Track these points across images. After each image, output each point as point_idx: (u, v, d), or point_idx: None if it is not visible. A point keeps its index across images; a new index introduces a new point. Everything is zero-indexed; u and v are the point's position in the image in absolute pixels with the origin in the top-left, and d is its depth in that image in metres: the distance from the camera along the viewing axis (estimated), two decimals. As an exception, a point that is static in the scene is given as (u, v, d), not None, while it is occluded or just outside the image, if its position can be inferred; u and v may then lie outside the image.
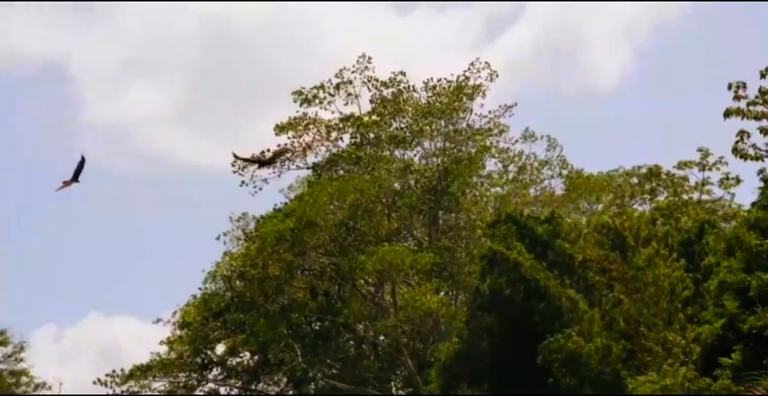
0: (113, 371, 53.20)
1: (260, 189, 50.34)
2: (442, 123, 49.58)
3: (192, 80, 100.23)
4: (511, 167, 52.09)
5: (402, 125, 50.13)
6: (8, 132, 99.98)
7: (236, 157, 24.48)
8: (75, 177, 22.79)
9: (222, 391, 55.84)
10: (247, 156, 25.99)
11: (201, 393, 55.27)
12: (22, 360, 66.56)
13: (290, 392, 55.01)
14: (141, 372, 53.54)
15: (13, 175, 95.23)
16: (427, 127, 49.17)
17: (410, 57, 74.85)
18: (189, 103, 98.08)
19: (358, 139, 50.10)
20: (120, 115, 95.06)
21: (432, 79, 49.58)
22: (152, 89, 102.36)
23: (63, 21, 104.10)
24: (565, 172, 52.73)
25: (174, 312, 55.56)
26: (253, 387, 55.43)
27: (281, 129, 49.96)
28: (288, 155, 25.87)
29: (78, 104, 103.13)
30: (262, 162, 25.96)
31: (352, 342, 53.96)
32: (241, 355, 55.15)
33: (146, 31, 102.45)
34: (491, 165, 50.75)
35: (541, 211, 43.92)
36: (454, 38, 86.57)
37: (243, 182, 50.10)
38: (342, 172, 49.27)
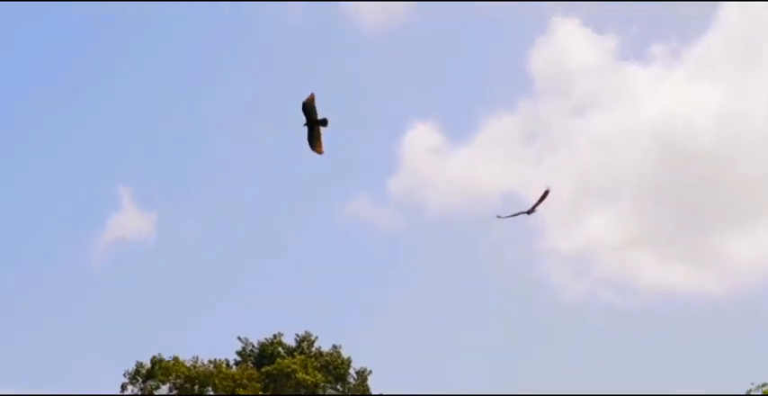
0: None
1: None
2: None
3: (648, 201, 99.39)
4: None
5: None
6: (477, 263, 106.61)
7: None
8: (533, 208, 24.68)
9: None
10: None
11: None
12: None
13: None
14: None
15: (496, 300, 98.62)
16: None
17: None
18: (647, 224, 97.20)
19: None
20: (579, 242, 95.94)
21: None
22: (607, 213, 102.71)
23: (517, 155, 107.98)
24: None
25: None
26: None
27: None
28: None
29: (539, 232, 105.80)
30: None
31: None
32: None
33: (595, 155, 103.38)
34: None
35: None
36: None
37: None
38: None
